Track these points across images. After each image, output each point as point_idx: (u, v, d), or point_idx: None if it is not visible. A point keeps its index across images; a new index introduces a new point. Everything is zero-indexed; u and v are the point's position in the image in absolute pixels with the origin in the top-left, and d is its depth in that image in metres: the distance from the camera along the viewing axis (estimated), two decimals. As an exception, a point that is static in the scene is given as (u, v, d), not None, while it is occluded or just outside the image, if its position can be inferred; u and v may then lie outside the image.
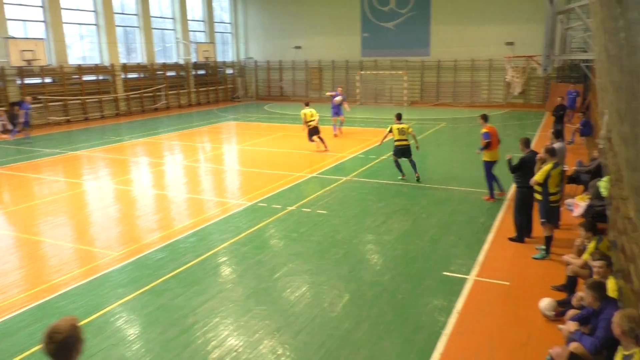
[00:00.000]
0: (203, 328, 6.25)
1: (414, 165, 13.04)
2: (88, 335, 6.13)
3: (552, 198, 8.06)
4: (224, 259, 8.45)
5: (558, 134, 10.41)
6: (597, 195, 9.07)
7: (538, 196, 8.23)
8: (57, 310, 6.76)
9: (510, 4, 30.00)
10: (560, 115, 16.80)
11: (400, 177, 13.17)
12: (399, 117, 13.44)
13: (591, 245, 6.61)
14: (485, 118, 11.53)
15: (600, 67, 2.52)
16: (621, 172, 2.60)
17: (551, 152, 8.12)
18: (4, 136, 21.45)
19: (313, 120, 17.29)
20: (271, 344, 5.89)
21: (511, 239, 8.94)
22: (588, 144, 16.35)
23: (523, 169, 8.71)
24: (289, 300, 6.93)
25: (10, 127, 22.11)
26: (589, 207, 9.08)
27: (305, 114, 17.45)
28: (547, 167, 7.99)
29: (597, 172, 9.99)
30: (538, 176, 8.03)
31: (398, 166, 13.20)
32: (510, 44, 30.18)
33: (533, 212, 8.91)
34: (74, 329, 2.91)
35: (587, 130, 16.21)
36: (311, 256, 8.43)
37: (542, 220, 8.14)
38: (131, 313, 6.70)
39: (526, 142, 9.06)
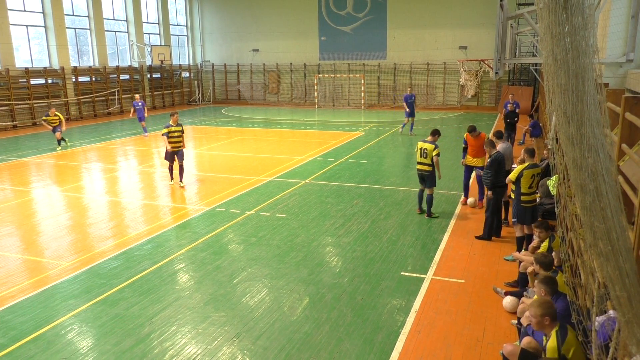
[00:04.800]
0: (160, 337, 6.10)
1: (428, 201, 10.44)
2: (37, 350, 5.89)
3: (523, 198, 8.11)
4: (182, 265, 8.28)
5: (499, 134, 10.57)
6: (546, 194, 9.39)
7: (513, 195, 8.40)
8: (3, 325, 6.45)
9: (463, 9, 30.85)
10: (513, 122, 17.15)
11: (417, 212, 10.74)
12: (433, 133, 10.45)
13: (544, 244, 6.83)
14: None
15: (548, 71, 2.61)
16: (568, 171, 2.70)
17: (530, 152, 8.27)
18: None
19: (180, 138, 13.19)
20: (230, 351, 5.81)
21: (478, 237, 9.13)
22: (538, 144, 16.94)
23: (496, 169, 8.91)
24: (248, 306, 6.85)
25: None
26: (539, 205, 9.38)
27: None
28: (520, 166, 8.18)
29: (546, 172, 10.34)
30: (511, 174, 8.24)
31: (419, 197, 10.72)
32: (463, 47, 31.02)
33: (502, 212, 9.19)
34: None
35: (537, 131, 16.80)
36: (270, 260, 8.37)
37: (513, 220, 8.33)
38: (84, 325, 6.46)
39: (492, 144, 9.27)
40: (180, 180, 13.35)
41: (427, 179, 10.29)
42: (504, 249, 8.73)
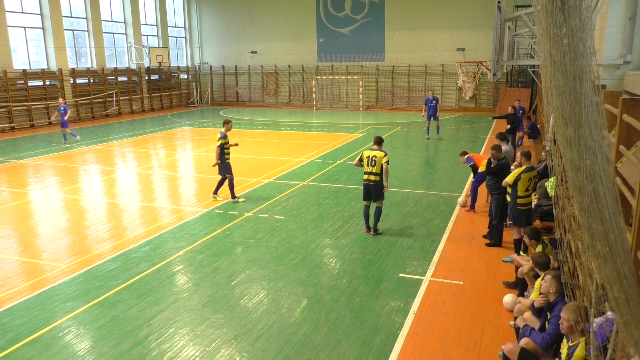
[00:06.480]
0: (158, 339, 6.08)
1: (376, 214, 9.56)
2: (35, 352, 5.88)
3: (519, 201, 8.08)
4: (180, 267, 8.27)
5: (503, 137, 10.58)
6: (544, 195, 9.41)
7: (509, 197, 8.36)
8: (1, 327, 6.42)
9: (461, 11, 30.91)
10: (513, 127, 17.12)
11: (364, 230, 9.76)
12: (377, 141, 9.76)
13: (538, 249, 6.81)
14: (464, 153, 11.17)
15: (546, 72, 2.61)
16: (566, 173, 2.71)
17: (527, 155, 8.23)
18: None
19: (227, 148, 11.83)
20: (229, 353, 5.80)
21: (488, 245, 9.02)
22: (535, 146, 16.96)
23: (498, 173, 8.88)
24: (246, 308, 6.84)
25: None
26: (537, 207, 9.40)
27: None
28: (518, 169, 8.14)
29: (544, 173, 10.36)
30: (508, 177, 8.17)
31: (365, 215, 9.69)
32: (461, 49, 31.07)
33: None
34: None
35: (534, 133, 16.81)
36: (269, 262, 8.36)
37: (510, 222, 8.32)
38: (81, 327, 6.44)
39: (498, 148, 9.18)
40: (234, 196, 11.90)
41: (374, 190, 9.38)
42: (502, 250, 8.74)
